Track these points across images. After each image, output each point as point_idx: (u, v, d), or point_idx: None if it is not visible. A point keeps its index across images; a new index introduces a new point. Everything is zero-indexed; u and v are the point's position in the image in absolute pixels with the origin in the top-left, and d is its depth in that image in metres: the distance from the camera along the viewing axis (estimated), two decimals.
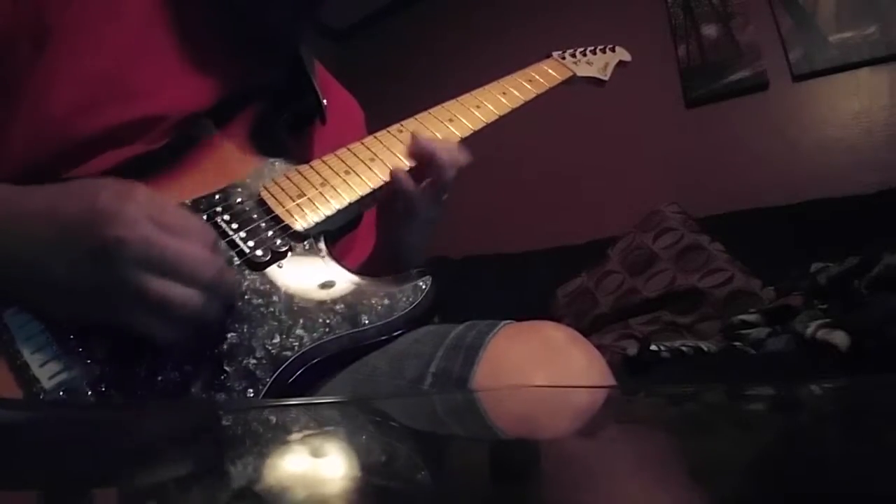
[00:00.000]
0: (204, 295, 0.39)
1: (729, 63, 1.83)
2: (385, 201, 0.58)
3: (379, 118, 0.71)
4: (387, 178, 0.55)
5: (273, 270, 0.47)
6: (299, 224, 0.50)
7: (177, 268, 0.38)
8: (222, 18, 0.60)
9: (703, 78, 1.87)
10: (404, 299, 0.49)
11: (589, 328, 1.47)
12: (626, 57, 0.90)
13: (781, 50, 1.75)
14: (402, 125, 0.61)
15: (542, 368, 0.44)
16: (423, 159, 0.56)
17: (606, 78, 0.84)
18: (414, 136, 0.58)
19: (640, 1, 2.03)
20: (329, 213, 0.51)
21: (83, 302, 0.39)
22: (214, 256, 0.40)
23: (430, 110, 0.64)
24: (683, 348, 1.08)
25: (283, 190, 0.52)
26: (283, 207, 0.50)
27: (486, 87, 0.69)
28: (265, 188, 0.51)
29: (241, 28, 0.60)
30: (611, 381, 0.47)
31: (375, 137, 0.59)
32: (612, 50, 0.89)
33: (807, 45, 1.71)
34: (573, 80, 0.80)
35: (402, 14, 2.71)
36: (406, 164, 0.57)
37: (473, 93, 0.68)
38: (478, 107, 0.65)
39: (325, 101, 0.63)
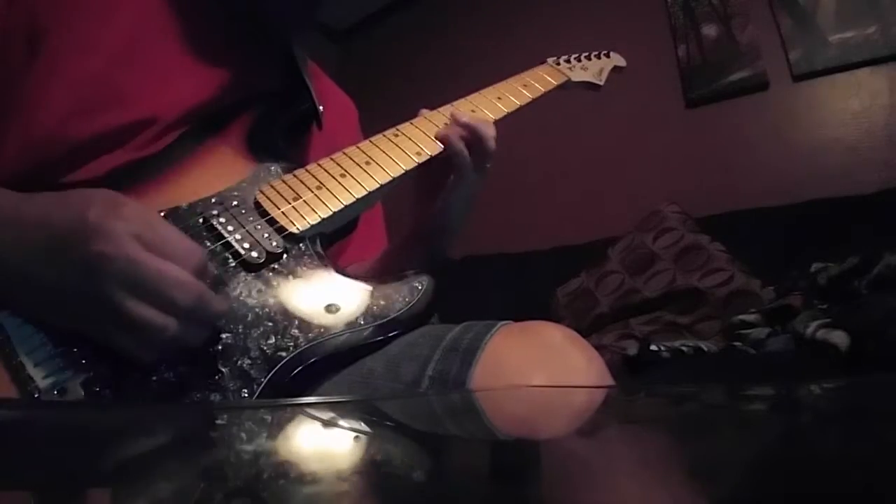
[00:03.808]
0: (182, 321, 0.38)
1: (729, 63, 1.82)
2: (431, 171, 0.60)
3: (377, 119, 0.71)
4: (383, 180, 0.56)
5: (268, 272, 0.47)
6: (295, 226, 0.50)
7: (156, 291, 0.37)
8: (217, 20, 0.59)
9: (703, 78, 1.87)
10: (401, 300, 0.49)
11: (589, 328, 1.47)
12: (622, 62, 0.90)
13: (781, 50, 1.75)
14: (397, 129, 0.61)
15: (540, 369, 0.43)
16: (469, 133, 0.59)
17: (601, 83, 0.85)
18: (455, 116, 0.61)
19: (640, 1, 2.03)
20: (324, 215, 0.51)
21: (68, 312, 0.39)
22: (196, 282, 0.39)
23: (427, 114, 0.64)
24: (683, 348, 1.08)
25: (278, 193, 0.52)
26: (279, 210, 0.50)
27: (482, 91, 0.70)
28: (261, 191, 0.52)
29: (237, 30, 0.60)
30: (609, 381, 0.47)
31: (371, 141, 0.59)
32: (608, 55, 0.89)
33: (807, 45, 1.71)
34: (568, 85, 0.80)
35: (401, 15, 2.71)
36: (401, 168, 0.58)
37: (469, 97, 0.68)
38: (473, 111, 0.66)
39: (321, 108, 0.63)
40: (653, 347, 1.09)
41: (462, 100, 0.67)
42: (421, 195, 0.65)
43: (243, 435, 0.31)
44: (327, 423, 0.33)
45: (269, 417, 0.35)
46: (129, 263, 0.37)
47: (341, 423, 0.33)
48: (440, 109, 0.65)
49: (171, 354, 0.39)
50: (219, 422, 0.35)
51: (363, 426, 0.34)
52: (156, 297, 0.37)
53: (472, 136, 0.59)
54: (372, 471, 0.23)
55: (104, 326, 0.38)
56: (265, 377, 0.41)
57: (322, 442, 0.28)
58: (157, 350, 0.38)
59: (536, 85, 0.74)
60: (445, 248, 0.67)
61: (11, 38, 0.50)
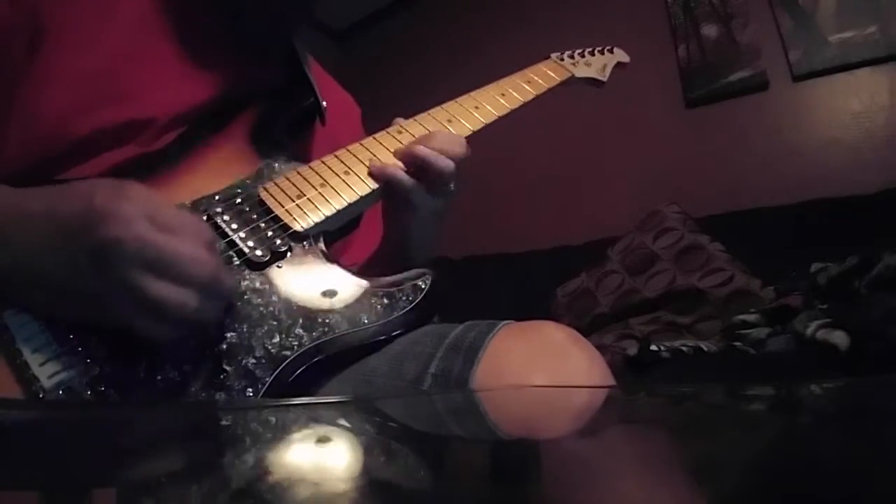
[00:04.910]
0: (200, 295, 0.39)
1: (729, 63, 1.82)
2: (387, 195, 0.57)
3: (378, 118, 0.71)
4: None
5: (272, 270, 0.47)
6: (299, 224, 0.50)
7: (173, 268, 0.37)
8: (217, 19, 0.59)
9: (703, 78, 1.87)
10: (403, 299, 0.49)
11: (589, 328, 1.47)
12: (625, 58, 0.90)
13: (781, 50, 1.75)
14: (400, 126, 0.61)
15: (542, 369, 0.44)
16: (415, 164, 0.56)
17: (605, 79, 0.84)
18: (403, 149, 0.57)
19: (640, 1, 2.03)
20: (328, 213, 0.51)
21: (82, 302, 0.38)
22: (211, 255, 0.40)
23: (429, 111, 0.64)
24: (683, 348, 1.08)
25: (282, 190, 0.52)
26: (283, 208, 0.50)
27: (485, 88, 0.69)
28: (265, 189, 0.52)
29: (237, 28, 0.60)
30: (611, 381, 0.47)
31: (374, 138, 0.59)
32: (611, 51, 0.89)
33: (807, 45, 1.71)
34: (571, 81, 0.80)
35: (402, 14, 2.71)
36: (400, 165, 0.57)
37: (472, 94, 0.68)
38: (476, 108, 0.65)
39: (324, 104, 0.63)
40: (653, 347, 1.08)
41: (465, 96, 0.67)
42: (388, 210, 0.63)
43: (247, 435, 0.31)
44: (330, 424, 0.33)
45: (272, 418, 0.35)
46: (142, 243, 0.37)
47: (344, 423, 0.33)
48: (444, 106, 0.65)
49: (189, 333, 0.40)
50: (223, 422, 0.35)
51: (366, 426, 0.34)
52: (173, 274, 0.37)
53: (418, 168, 0.56)
54: (375, 470, 0.23)
55: (122, 311, 0.38)
56: (270, 376, 0.42)
57: (325, 442, 0.28)
58: (178, 328, 0.39)
59: (540, 81, 0.74)
60: (418, 260, 0.63)
61: (14, 36, 0.50)
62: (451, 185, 0.58)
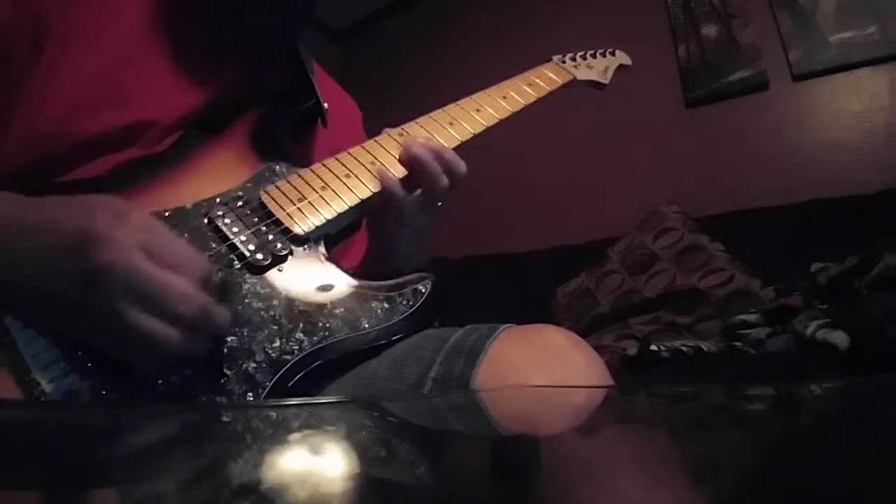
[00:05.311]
0: (186, 332, 0.38)
1: (729, 63, 1.83)
2: (375, 208, 0.57)
3: (379, 119, 0.71)
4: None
5: (273, 274, 0.47)
6: (300, 227, 0.50)
7: (161, 303, 0.37)
8: (219, 21, 0.60)
9: (703, 78, 1.87)
10: (404, 303, 0.49)
11: (589, 328, 1.47)
12: (627, 61, 0.90)
13: (781, 50, 1.75)
14: (403, 129, 0.61)
15: (542, 371, 0.44)
16: (414, 166, 0.56)
17: (607, 81, 0.84)
18: (406, 144, 0.57)
19: (640, 1, 2.03)
20: (329, 216, 0.51)
21: (74, 316, 0.38)
22: (200, 293, 0.39)
23: (431, 114, 0.64)
24: (683, 348, 1.08)
25: (283, 193, 0.52)
26: (284, 211, 0.50)
27: (487, 90, 0.69)
28: (266, 192, 0.52)
29: (239, 30, 0.60)
30: (609, 383, 0.47)
31: (376, 141, 0.59)
32: (613, 54, 0.89)
33: (807, 45, 1.71)
34: (573, 84, 0.80)
35: (402, 14, 2.71)
36: (401, 170, 0.57)
37: (474, 96, 0.68)
38: (478, 110, 0.65)
39: (326, 105, 0.63)
40: (653, 347, 1.08)
41: (467, 99, 0.67)
42: (374, 224, 0.62)
43: (248, 434, 0.31)
44: (332, 423, 0.33)
45: (273, 416, 0.35)
46: (133, 274, 0.36)
47: (345, 422, 0.33)
48: (446, 108, 0.65)
49: (173, 366, 0.39)
50: (224, 419, 0.35)
51: (366, 422, 0.34)
52: (160, 309, 0.37)
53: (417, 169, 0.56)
54: (376, 469, 0.23)
55: (106, 336, 0.38)
56: (270, 381, 0.42)
57: (326, 441, 0.28)
58: (159, 362, 0.38)
59: (541, 84, 0.74)
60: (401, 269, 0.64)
61: (16, 37, 0.50)
62: (441, 204, 0.58)
